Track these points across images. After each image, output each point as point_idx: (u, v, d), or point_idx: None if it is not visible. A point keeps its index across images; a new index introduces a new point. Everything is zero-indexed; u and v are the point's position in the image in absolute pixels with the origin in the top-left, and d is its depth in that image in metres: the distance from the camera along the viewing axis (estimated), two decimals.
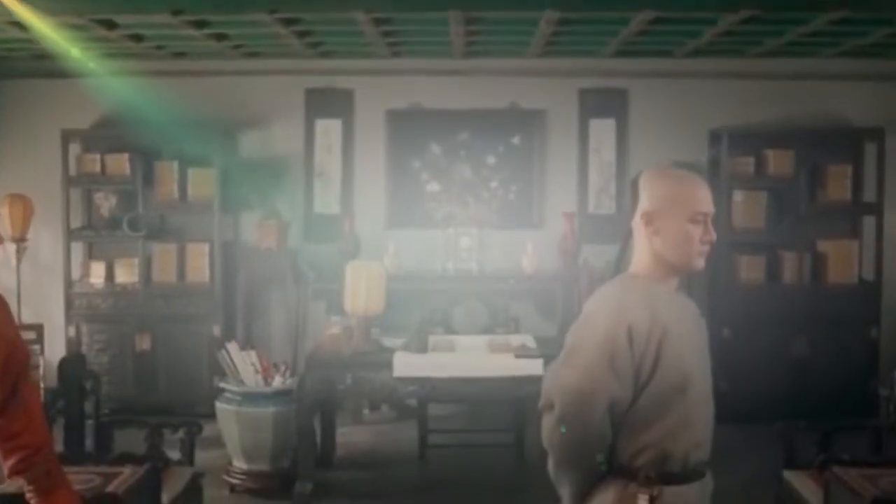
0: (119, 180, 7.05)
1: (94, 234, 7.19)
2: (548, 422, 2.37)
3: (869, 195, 6.98)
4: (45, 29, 5.67)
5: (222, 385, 5.59)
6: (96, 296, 7.06)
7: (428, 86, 7.34)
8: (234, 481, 5.48)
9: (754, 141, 7.03)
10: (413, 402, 6.29)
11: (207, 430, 4.97)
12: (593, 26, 6.12)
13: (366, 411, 7.00)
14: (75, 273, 7.15)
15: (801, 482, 4.24)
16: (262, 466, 5.47)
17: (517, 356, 5.21)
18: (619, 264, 2.56)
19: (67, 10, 5.30)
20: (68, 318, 7.03)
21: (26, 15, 5.22)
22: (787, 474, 4.36)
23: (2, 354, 2.36)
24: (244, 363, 5.58)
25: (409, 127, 7.37)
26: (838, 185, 6.97)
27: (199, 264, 7.08)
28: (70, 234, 7.05)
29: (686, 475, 2.37)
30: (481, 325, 6.70)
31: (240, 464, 5.49)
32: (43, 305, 7.23)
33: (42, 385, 6.31)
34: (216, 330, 6.93)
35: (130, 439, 4.56)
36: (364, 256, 6.62)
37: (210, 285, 7.05)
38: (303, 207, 7.40)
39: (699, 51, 6.82)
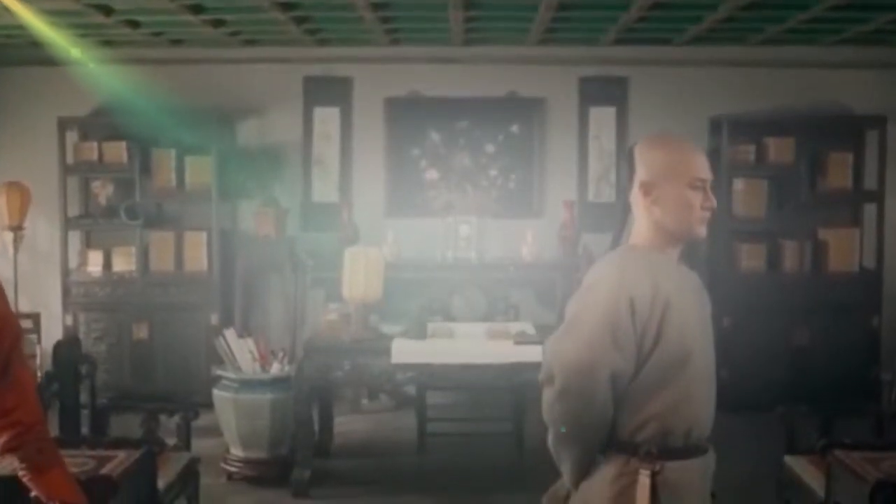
0: (116, 168, 7.03)
1: (91, 222, 7.16)
2: (548, 395, 2.32)
3: (870, 183, 6.97)
4: (42, 26, 5.66)
5: (219, 372, 5.55)
6: (94, 284, 7.03)
7: (427, 74, 7.30)
8: (232, 469, 5.44)
9: (755, 129, 7.00)
10: (411, 390, 6.26)
11: (205, 418, 4.94)
12: (593, 12, 6.08)
13: (364, 401, 6.97)
14: (73, 261, 7.13)
15: (802, 467, 4.22)
16: (260, 454, 5.43)
17: (516, 342, 5.19)
18: (619, 240, 2.51)
19: None
20: (65, 307, 7.01)
21: (21, 10, 5.20)
22: (789, 459, 4.33)
23: None
24: (241, 350, 5.54)
25: (407, 115, 7.33)
26: (839, 173, 6.94)
27: (197, 253, 7.05)
28: (67, 223, 7.03)
29: (688, 450, 2.33)
30: (480, 313, 6.69)
31: (237, 451, 5.44)
32: (40, 294, 7.20)
33: (38, 374, 6.27)
34: (214, 318, 6.89)
35: (126, 424, 4.53)
36: (363, 244, 6.57)
37: (208, 274, 7.02)
38: (301, 196, 7.36)
39: (699, 38, 6.79)
